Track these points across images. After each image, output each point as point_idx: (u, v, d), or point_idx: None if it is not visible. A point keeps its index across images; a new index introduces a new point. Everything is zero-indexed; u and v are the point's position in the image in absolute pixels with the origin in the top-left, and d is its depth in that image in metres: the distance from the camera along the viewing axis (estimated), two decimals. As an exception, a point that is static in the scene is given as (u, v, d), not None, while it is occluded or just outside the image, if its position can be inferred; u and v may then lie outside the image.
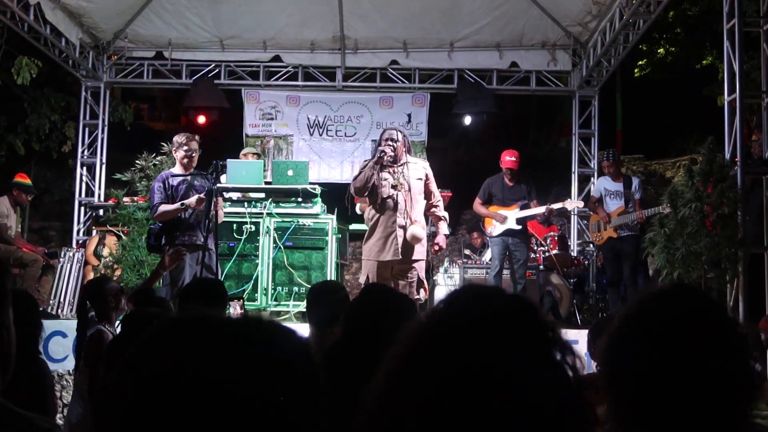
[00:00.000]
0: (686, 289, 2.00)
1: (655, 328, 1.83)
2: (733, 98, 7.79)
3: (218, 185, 7.42)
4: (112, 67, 12.78)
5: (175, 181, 7.35)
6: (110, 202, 10.65)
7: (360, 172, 7.52)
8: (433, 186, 7.66)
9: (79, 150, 12.65)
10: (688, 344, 1.77)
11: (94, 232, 11.08)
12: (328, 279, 9.55)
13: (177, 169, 7.52)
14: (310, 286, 7.81)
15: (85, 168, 12.59)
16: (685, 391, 1.73)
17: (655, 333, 1.81)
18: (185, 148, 7.40)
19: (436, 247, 7.71)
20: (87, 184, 12.52)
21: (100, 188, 12.40)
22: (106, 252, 10.24)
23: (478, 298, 1.35)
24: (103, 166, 12.54)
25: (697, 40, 16.15)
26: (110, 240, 10.32)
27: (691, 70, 16.78)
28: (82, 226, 12.24)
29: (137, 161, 10.42)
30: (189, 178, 7.39)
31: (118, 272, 9.57)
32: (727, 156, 7.76)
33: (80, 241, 11.89)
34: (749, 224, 7.56)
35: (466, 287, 1.39)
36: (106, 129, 12.77)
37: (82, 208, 12.32)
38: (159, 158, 10.34)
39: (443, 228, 7.78)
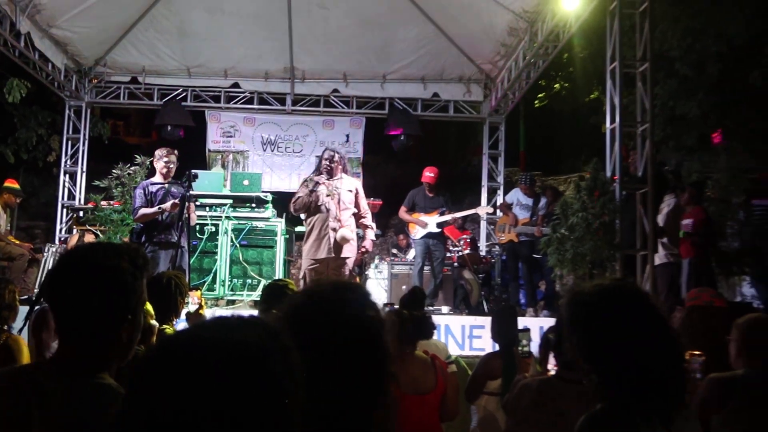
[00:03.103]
0: (624, 284, 2.21)
1: (608, 314, 2.01)
2: (614, 127, 7.91)
3: (190, 192, 7.39)
4: (92, 89, 12.56)
5: (154, 188, 7.41)
6: (89, 205, 10.53)
7: (298, 198, 7.57)
8: (362, 200, 7.72)
9: (63, 160, 12.51)
10: (626, 322, 1.98)
11: (75, 230, 10.86)
12: (277, 274, 9.61)
13: (157, 178, 7.56)
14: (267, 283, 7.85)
15: (67, 175, 12.43)
16: (620, 354, 1.95)
17: (607, 317, 2.00)
18: (165, 160, 7.53)
19: (363, 249, 7.85)
20: (69, 189, 12.35)
21: (80, 193, 12.24)
22: (85, 249, 10.04)
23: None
24: (84, 174, 12.38)
25: (586, 78, 16.45)
26: (89, 237, 10.11)
27: (581, 102, 17.07)
28: (64, 225, 12.08)
29: (114, 170, 10.24)
30: (167, 185, 7.45)
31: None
32: (608, 174, 7.85)
33: (62, 238, 11.71)
34: (624, 231, 7.65)
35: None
36: (86, 142, 12.63)
37: (65, 210, 12.15)
38: (133, 168, 10.17)
39: (370, 234, 7.86)
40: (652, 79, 8.08)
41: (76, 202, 11.90)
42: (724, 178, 12.76)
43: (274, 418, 1.08)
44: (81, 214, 10.55)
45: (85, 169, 12.44)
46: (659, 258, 8.17)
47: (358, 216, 7.70)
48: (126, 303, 1.78)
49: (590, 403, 2.03)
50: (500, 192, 12.63)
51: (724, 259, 10.91)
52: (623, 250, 7.62)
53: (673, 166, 11.82)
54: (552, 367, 3.75)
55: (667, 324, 2.11)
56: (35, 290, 9.59)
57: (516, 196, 10.39)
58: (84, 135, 12.55)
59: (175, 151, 7.74)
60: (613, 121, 7.99)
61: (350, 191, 7.58)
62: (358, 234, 8.15)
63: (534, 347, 4.42)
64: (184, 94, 12.61)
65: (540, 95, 18.18)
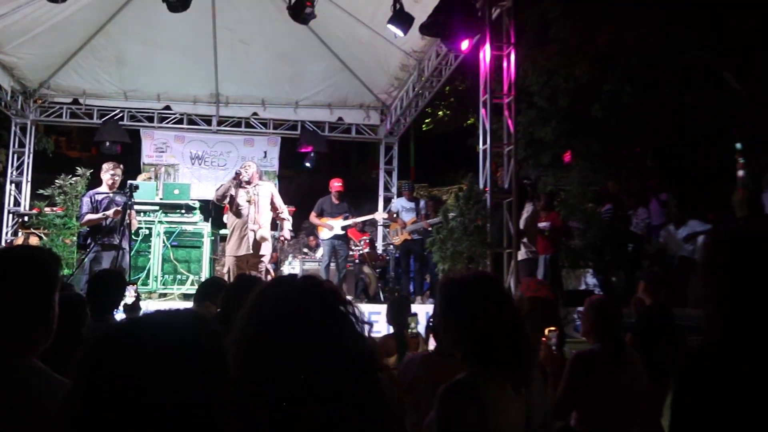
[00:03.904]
0: (485, 275, 2.32)
1: (471, 297, 2.07)
2: (485, 147, 8.07)
3: (132, 201, 7.36)
4: (37, 109, 11.98)
5: (99, 197, 7.29)
6: (34, 211, 10.07)
7: (221, 186, 7.66)
8: (278, 200, 7.75)
9: (9, 171, 11.93)
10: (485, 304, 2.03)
11: (20, 233, 10.39)
12: (204, 270, 9.50)
13: (103, 188, 7.40)
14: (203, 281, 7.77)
15: (13, 185, 11.83)
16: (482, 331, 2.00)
17: (470, 299, 2.05)
18: (111, 172, 7.40)
19: (282, 239, 7.98)
20: (15, 197, 11.75)
21: (25, 200, 11.66)
22: (29, 249, 9.62)
23: (299, 281, 1.43)
24: (28, 184, 11.80)
25: (464, 106, 16.74)
26: (33, 239, 9.69)
27: (460, 126, 17.37)
28: (9, 229, 11.47)
29: (57, 180, 9.86)
30: (111, 195, 7.32)
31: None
32: (481, 186, 8.01)
33: (8, 240, 11.14)
34: (494, 232, 7.81)
35: (289, 276, 1.50)
36: (31, 155, 12.03)
37: (10, 215, 11.54)
38: (74, 179, 9.81)
39: (287, 226, 7.94)
40: (515, 108, 8.24)
41: (21, 209, 11.33)
42: (573, 189, 13.26)
43: (205, 392, 1.06)
44: (26, 218, 10.12)
45: (29, 179, 11.84)
46: (521, 254, 8.33)
47: (275, 213, 7.71)
48: (48, 287, 1.69)
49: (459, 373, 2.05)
50: (394, 200, 12.79)
51: (572, 255, 11.35)
52: (493, 248, 7.79)
53: (532, 180, 12.15)
54: (433, 344, 3.74)
55: (516, 309, 2.15)
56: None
57: (400, 203, 10.58)
58: (29, 149, 11.96)
59: (121, 166, 7.63)
60: (485, 142, 8.13)
61: (266, 196, 7.60)
62: (273, 236, 8.19)
63: (421, 329, 4.55)
64: (121, 114, 12.18)
65: (427, 120, 18.36)
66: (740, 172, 12.69)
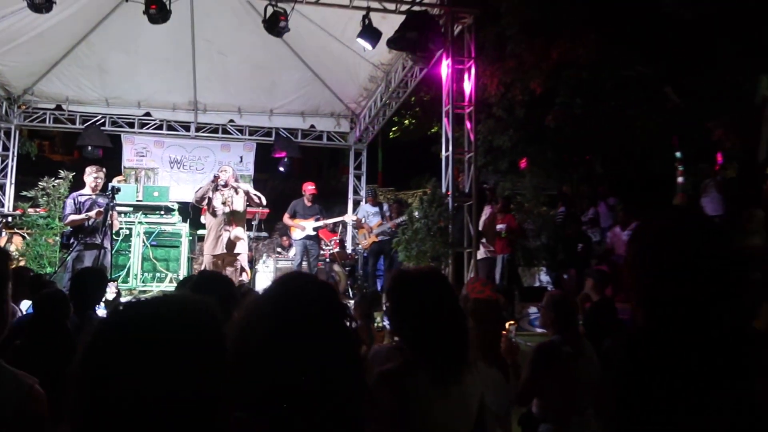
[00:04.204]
0: (431, 270, 2.33)
1: (412, 289, 2.06)
2: (448, 154, 8.16)
3: (114, 203, 7.29)
4: (21, 114, 11.71)
5: (83, 199, 7.25)
6: (17, 212, 9.82)
7: (200, 189, 7.70)
8: (254, 192, 7.74)
9: (-7, 174, 11.57)
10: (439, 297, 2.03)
11: (3, 233, 10.11)
12: (182, 269, 9.39)
13: (86, 190, 7.37)
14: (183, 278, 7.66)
15: (-2, 186, 11.50)
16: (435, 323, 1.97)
17: (422, 291, 2.03)
18: (94, 175, 7.39)
19: (257, 201, 7.70)
20: (-1, 198, 11.42)
21: (9, 201, 11.34)
22: (12, 248, 9.38)
23: (298, 280, 1.43)
24: (12, 186, 11.51)
25: (428, 116, 16.78)
26: (17, 239, 9.46)
27: (425, 134, 17.41)
28: (-6, 229, 11.11)
29: (40, 183, 9.62)
30: (94, 197, 7.29)
31: (22, 262, 8.84)
32: (444, 190, 8.05)
33: (-8, 240, 10.79)
34: (455, 233, 7.88)
35: (294, 273, 1.50)
36: (15, 159, 11.77)
37: (-5, 216, 11.19)
38: (57, 181, 9.59)
39: (263, 200, 7.74)
40: (476, 118, 8.35)
41: (5, 209, 11.03)
42: (528, 194, 13.40)
43: (206, 377, 1.02)
44: (10, 219, 9.86)
45: (14, 181, 11.56)
46: (481, 254, 8.46)
47: (251, 201, 7.66)
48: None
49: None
50: (362, 203, 12.77)
51: (528, 254, 11.47)
52: (455, 248, 7.86)
53: (491, 185, 12.24)
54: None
55: (459, 306, 2.13)
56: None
57: (365, 209, 10.65)
58: (13, 152, 11.70)
59: (104, 169, 7.60)
60: (447, 150, 8.21)
61: (241, 197, 7.60)
62: (249, 236, 8.12)
63: (387, 323, 4.55)
64: (102, 120, 11.96)
65: (394, 128, 18.32)
66: (680, 179, 13.02)
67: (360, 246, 10.92)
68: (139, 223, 9.30)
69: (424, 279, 2.11)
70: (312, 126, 12.76)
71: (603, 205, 12.14)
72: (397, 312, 2.08)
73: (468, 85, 8.27)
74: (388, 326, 4.58)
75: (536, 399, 3.42)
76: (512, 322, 3.37)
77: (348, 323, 1.36)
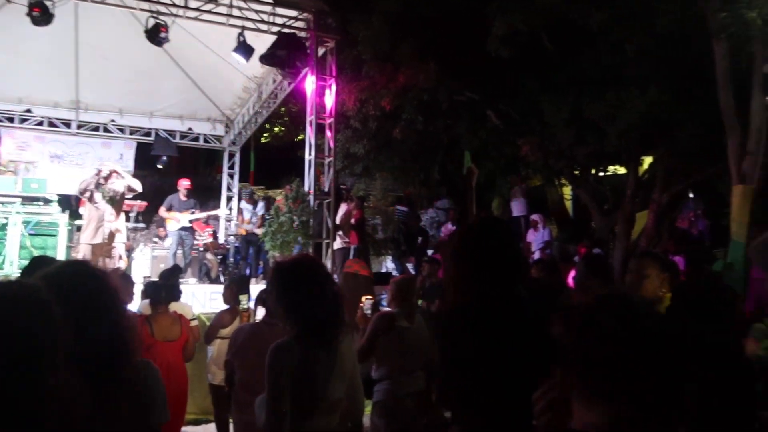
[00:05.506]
0: (310, 258, 2.48)
1: (296, 276, 2.18)
2: (311, 158, 8.40)
3: None
4: None
5: None
6: None
7: (83, 181, 7.54)
8: (130, 179, 7.69)
9: None
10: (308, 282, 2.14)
11: None
12: (60, 257, 8.99)
13: None
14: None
15: None
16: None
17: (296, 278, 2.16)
18: None
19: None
20: None
21: None
22: None
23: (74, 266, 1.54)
24: None
25: (295, 124, 16.85)
26: None
27: (292, 140, 17.52)
28: None
29: None
30: None
31: None
32: (306, 189, 8.28)
33: None
34: (315, 227, 8.13)
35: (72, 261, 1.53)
36: None
37: None
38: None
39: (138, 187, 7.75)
40: (335, 128, 8.68)
41: None
42: (378, 194, 14.14)
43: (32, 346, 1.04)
44: None
45: None
46: (337, 244, 8.66)
47: (130, 190, 7.60)
48: None
49: (282, 337, 2.15)
50: (234, 199, 12.82)
51: (376, 245, 12.14)
52: (314, 239, 8.07)
53: (347, 186, 12.74)
54: (261, 315, 3.78)
55: (334, 287, 2.25)
56: None
57: (242, 205, 10.83)
58: None
59: None
60: (310, 154, 8.42)
61: (120, 190, 7.52)
62: (127, 227, 7.98)
63: (252, 305, 4.67)
64: (-19, 114, 11.09)
65: (265, 134, 18.21)
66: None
67: (233, 235, 11.09)
68: (17, 213, 8.83)
69: (304, 267, 2.23)
70: (190, 128, 12.62)
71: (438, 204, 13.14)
72: (281, 296, 2.16)
73: (329, 99, 8.44)
74: (251, 307, 4.66)
75: (375, 364, 3.56)
76: (369, 296, 3.61)
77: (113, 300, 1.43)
